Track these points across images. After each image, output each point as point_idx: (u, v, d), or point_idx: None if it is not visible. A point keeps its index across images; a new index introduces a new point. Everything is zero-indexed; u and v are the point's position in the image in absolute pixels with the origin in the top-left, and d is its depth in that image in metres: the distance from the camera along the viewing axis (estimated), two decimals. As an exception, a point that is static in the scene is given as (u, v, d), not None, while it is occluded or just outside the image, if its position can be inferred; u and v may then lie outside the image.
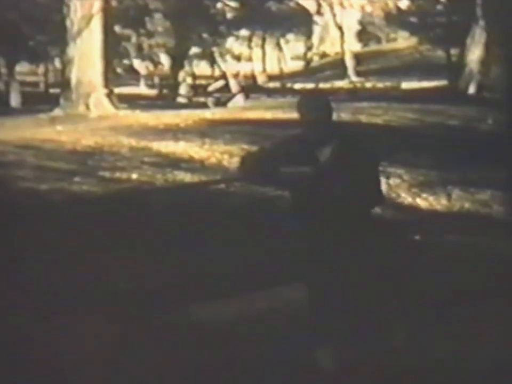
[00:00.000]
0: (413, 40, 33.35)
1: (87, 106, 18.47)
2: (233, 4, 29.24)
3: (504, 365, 4.18)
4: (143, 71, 31.45)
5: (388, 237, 4.84)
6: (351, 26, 34.75)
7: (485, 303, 5.08)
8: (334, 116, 4.87)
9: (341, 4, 31.29)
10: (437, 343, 4.52)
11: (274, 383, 4.10)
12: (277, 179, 4.76)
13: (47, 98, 23.41)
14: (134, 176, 10.20)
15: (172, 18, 27.30)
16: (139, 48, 29.18)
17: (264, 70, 34.42)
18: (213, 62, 31.99)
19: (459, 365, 4.26)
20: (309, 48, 38.65)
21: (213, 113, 17.72)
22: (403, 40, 36.79)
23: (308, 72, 35.49)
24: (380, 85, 28.22)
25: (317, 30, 37.34)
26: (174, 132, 14.02)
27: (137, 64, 30.78)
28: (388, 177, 9.33)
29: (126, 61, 30.38)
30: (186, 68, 29.80)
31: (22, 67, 28.61)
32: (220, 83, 28.90)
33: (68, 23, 18.41)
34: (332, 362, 4.34)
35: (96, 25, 18.45)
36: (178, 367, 4.11)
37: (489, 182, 8.70)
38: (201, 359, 4.08)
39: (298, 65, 38.11)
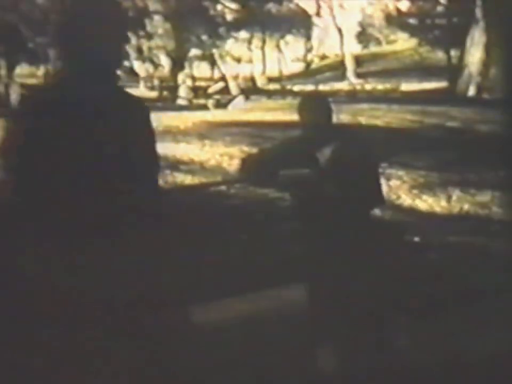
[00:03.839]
0: (413, 42, 33.39)
1: (87, 108, 18.47)
2: (233, 6, 29.26)
3: (504, 365, 4.19)
4: (142, 73, 31.48)
5: (388, 238, 4.84)
6: (351, 28, 34.78)
7: (485, 304, 5.09)
8: (334, 118, 4.88)
9: (341, 6, 31.32)
10: (437, 343, 4.53)
11: (274, 383, 4.11)
12: (277, 181, 4.77)
13: (47, 100, 23.41)
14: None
15: (172, 20, 27.33)
16: (139, 50, 29.20)
17: (264, 72, 34.45)
18: (213, 64, 32.03)
19: (459, 365, 4.27)
20: (309, 50, 38.68)
21: (213, 115, 17.73)
22: (403, 42, 36.83)
23: (308, 74, 35.52)
24: (379, 86, 28.24)
25: (316, 31, 37.37)
26: (174, 134, 14.02)
27: (137, 66, 30.80)
28: (388, 179, 9.34)
29: (125, 63, 30.40)
30: (186, 69, 29.83)
31: (21, 69, 28.64)
32: (220, 85, 28.92)
33: (68, 25, 18.42)
34: (331, 362, 4.35)
35: (96, 27, 18.45)
36: (177, 367, 4.12)
37: (489, 183, 8.71)
38: (201, 359, 4.09)
39: (298, 67, 38.14)
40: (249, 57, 34.79)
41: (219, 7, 29.56)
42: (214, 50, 30.54)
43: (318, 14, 31.76)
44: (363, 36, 38.51)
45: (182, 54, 29.02)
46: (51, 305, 3.30)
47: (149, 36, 28.36)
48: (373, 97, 22.63)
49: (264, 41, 34.77)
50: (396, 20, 32.38)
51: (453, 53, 26.13)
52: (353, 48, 34.47)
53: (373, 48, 39.43)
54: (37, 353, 3.57)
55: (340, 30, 32.47)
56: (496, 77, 19.44)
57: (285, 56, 37.95)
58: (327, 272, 4.39)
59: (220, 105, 21.88)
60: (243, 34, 33.10)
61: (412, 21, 30.53)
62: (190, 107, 22.38)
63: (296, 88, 28.57)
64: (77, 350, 3.65)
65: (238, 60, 35.22)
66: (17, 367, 3.75)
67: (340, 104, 14.28)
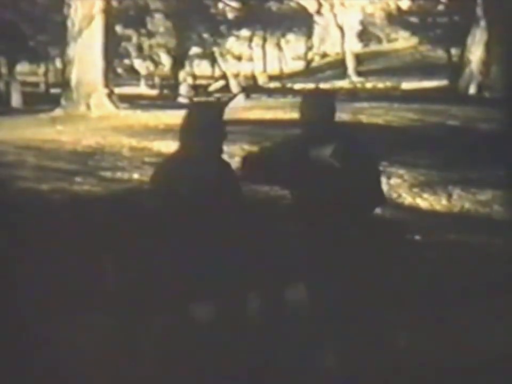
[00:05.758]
0: (414, 40, 33.43)
1: (88, 106, 18.47)
2: (234, 4, 29.27)
3: (504, 365, 4.19)
4: (143, 71, 31.49)
5: (388, 236, 4.83)
6: (352, 26, 34.79)
7: (485, 303, 5.08)
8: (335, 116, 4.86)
9: (342, 4, 31.32)
10: (437, 343, 4.52)
11: (274, 383, 4.11)
12: (278, 179, 4.77)
13: (47, 98, 23.44)
14: (135, 176, 10.20)
15: (173, 19, 27.35)
16: (140, 48, 29.23)
17: (264, 70, 34.49)
18: (213, 62, 32.07)
19: (459, 365, 4.26)
20: (310, 48, 38.71)
21: (213, 113, 17.68)
22: (404, 40, 36.84)
23: (309, 72, 35.55)
24: (380, 85, 28.27)
25: (317, 30, 37.38)
26: (175, 132, 13.95)
27: (138, 64, 30.83)
28: (388, 177, 9.33)
29: (126, 61, 30.43)
30: (187, 68, 29.86)
31: (22, 67, 28.65)
32: (220, 83, 28.95)
33: (68, 23, 18.41)
34: (331, 363, 4.34)
35: (97, 25, 18.44)
36: (177, 367, 4.12)
37: (490, 181, 8.70)
38: (201, 358, 4.08)
39: (299, 65, 38.16)
40: (250, 55, 34.82)
41: (220, 5, 29.57)
42: (215, 49, 30.57)
43: (319, 12, 31.74)
44: (364, 34, 38.52)
45: (182, 52, 29.04)
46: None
47: (150, 34, 28.37)
48: (374, 96, 22.63)
49: (265, 40, 34.81)
50: (396, 19, 32.39)
51: (454, 51, 26.16)
52: (354, 46, 34.48)
53: (374, 47, 39.43)
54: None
55: (340, 29, 32.49)
56: (497, 75, 19.44)
57: (286, 54, 37.98)
58: (327, 271, 4.38)
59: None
60: (244, 32, 33.13)
61: (413, 19, 30.55)
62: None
63: (297, 86, 28.58)
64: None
65: (239, 58, 35.24)
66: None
67: (341, 103, 14.25)
